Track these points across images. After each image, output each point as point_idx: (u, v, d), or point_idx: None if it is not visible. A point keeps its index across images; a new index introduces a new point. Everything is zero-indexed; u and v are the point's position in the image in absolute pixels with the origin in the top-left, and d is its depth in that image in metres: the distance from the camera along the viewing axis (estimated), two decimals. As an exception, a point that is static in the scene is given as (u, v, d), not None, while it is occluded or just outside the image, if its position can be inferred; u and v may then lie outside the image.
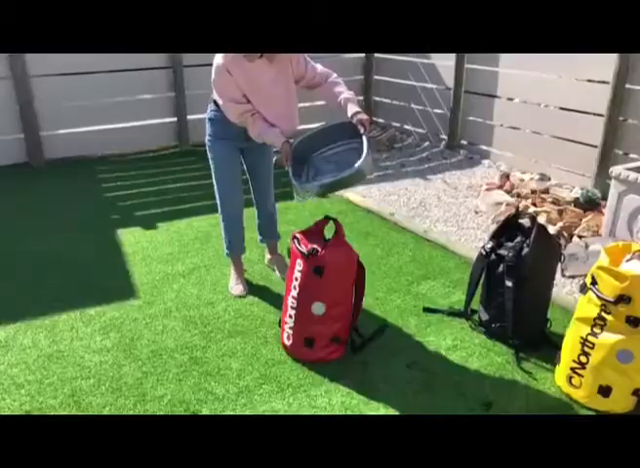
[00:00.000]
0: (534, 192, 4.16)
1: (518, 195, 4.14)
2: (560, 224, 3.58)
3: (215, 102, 2.65)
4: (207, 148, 2.80)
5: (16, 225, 3.83)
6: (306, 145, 2.52)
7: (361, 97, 6.14)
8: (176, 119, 5.41)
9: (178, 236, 3.68)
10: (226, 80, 2.46)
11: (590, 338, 2.13)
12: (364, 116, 2.40)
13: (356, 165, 2.24)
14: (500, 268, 2.46)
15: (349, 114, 2.41)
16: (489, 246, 2.52)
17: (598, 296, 2.08)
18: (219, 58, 2.45)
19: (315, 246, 2.27)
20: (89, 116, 5.10)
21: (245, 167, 2.92)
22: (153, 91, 5.32)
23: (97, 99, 5.10)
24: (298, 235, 2.39)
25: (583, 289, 2.18)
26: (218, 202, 2.89)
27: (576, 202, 3.90)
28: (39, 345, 2.54)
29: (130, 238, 3.64)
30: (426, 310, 2.80)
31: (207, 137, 2.77)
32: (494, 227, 3.15)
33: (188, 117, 5.38)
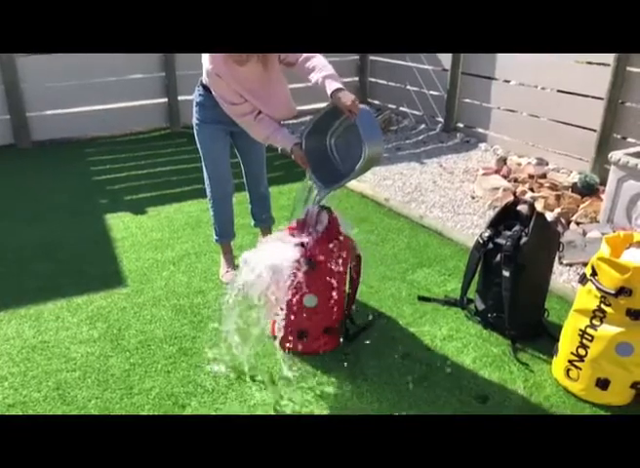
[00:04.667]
0: (531, 177, 4.09)
1: (515, 180, 4.07)
2: (558, 210, 3.52)
3: (203, 86, 2.55)
4: (195, 132, 2.70)
5: (0, 209, 3.73)
6: (315, 134, 2.40)
7: (356, 78, 6.04)
8: (166, 100, 5.29)
9: (167, 221, 3.60)
10: (219, 83, 2.37)
11: (589, 331, 2.07)
12: (347, 99, 2.10)
13: (358, 164, 2.23)
14: (498, 257, 2.40)
15: (329, 95, 2.16)
16: (486, 234, 2.46)
17: (598, 288, 2.02)
18: (207, 63, 2.35)
19: (307, 238, 2.20)
20: (76, 96, 4.97)
21: (236, 150, 2.84)
22: (143, 70, 5.19)
23: (84, 79, 4.96)
24: (290, 226, 2.32)
25: (583, 279, 2.12)
26: (207, 186, 2.81)
27: (573, 187, 3.84)
28: (23, 336, 2.47)
29: (118, 223, 3.55)
30: (421, 299, 2.74)
31: (194, 121, 2.68)
32: (491, 214, 3.09)
33: (179, 98, 5.25)
